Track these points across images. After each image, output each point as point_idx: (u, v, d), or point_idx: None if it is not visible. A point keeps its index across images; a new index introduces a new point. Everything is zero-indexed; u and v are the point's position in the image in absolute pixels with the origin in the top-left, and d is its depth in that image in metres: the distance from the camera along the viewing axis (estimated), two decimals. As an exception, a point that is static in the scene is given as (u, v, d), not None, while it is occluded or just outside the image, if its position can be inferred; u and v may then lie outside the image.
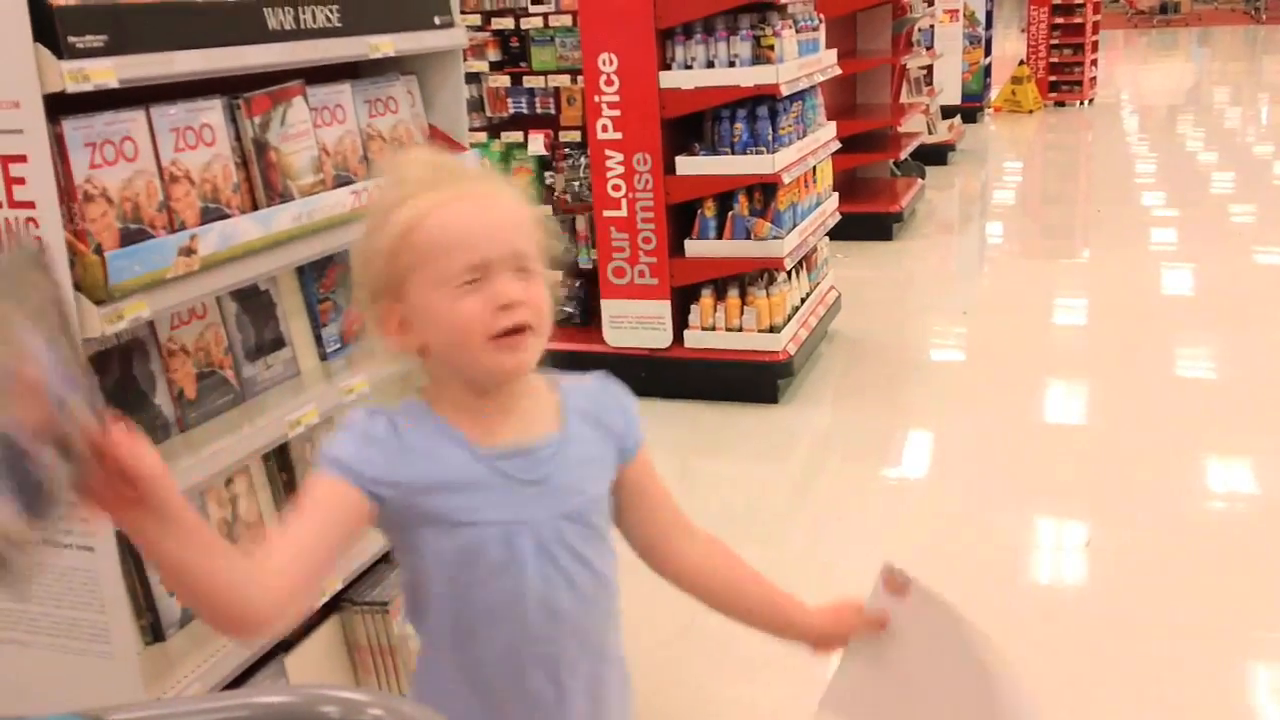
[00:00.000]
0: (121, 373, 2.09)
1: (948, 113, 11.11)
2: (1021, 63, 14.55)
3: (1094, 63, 14.70)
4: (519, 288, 1.24)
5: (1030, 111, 14.06)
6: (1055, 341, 5.75)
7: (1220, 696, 2.85)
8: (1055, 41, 14.42)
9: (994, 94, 14.18)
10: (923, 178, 8.91)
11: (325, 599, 2.36)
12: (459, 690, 1.32)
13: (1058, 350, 5.57)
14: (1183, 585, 3.33)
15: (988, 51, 13.31)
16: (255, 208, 2.22)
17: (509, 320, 1.23)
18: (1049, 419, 4.78)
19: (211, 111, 2.14)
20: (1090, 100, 14.71)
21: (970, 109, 12.83)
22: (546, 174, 5.70)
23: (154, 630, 2.15)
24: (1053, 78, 14.56)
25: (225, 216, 2.12)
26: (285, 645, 2.33)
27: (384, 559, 2.60)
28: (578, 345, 5.02)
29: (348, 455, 1.25)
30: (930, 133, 10.02)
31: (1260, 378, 4.99)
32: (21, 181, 1.75)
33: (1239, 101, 15.90)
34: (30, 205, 1.76)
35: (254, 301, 2.40)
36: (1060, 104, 14.60)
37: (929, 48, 9.56)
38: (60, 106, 1.79)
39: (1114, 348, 5.51)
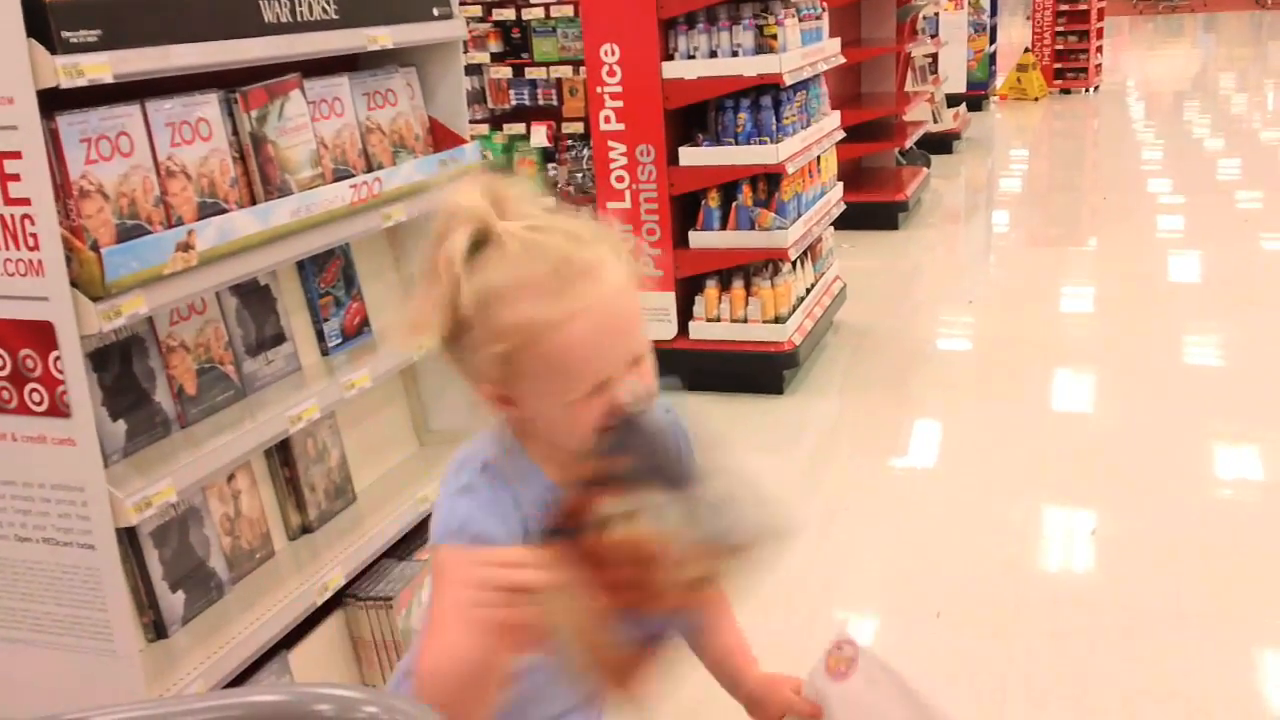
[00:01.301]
0: (121, 369, 2.08)
1: (953, 101, 11.07)
2: (1027, 50, 14.47)
3: (1099, 49, 14.62)
4: (634, 388, 1.20)
5: (1036, 99, 13.99)
6: (1062, 330, 5.72)
7: (1228, 683, 2.83)
8: (1060, 28, 14.33)
9: (999, 82, 14.11)
10: (928, 167, 8.87)
11: (329, 595, 2.35)
12: None
13: (1065, 339, 5.54)
14: (1191, 572, 3.31)
15: (993, 39, 13.24)
16: (253, 202, 2.20)
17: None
18: (1056, 407, 4.75)
19: (208, 106, 2.13)
20: (1096, 87, 14.64)
21: (975, 97, 12.76)
22: (549, 166, 5.71)
23: (156, 628, 2.14)
24: (1058, 65, 14.48)
25: (223, 211, 2.11)
26: (289, 641, 2.32)
27: (387, 554, 2.59)
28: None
29: (490, 531, 1.21)
30: (935, 121, 9.98)
31: (1268, 364, 4.95)
32: (16, 178, 1.73)
33: (1245, 87, 15.80)
34: (26, 202, 1.74)
35: (254, 297, 2.39)
36: (1066, 91, 14.53)
37: (934, 36, 9.51)
38: (55, 102, 1.78)
39: (1121, 336, 5.48)
